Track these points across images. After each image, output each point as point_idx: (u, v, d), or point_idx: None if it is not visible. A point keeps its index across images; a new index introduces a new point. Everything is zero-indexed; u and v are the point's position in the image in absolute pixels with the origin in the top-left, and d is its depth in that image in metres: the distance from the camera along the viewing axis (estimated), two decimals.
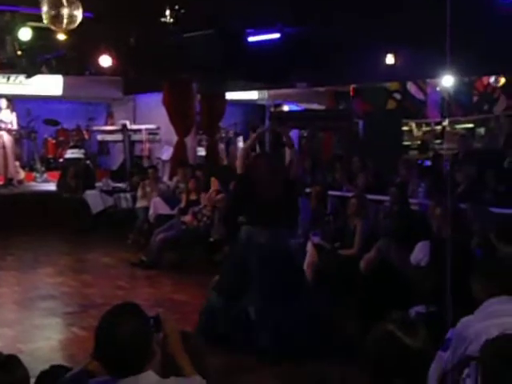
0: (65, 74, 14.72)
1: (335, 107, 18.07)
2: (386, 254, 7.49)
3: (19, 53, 9.76)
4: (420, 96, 16.07)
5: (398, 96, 16.14)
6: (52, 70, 11.96)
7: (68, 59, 11.32)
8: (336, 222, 9.11)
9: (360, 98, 16.51)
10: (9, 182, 15.03)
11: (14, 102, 15.20)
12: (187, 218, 10.82)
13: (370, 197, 9.13)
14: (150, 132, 15.79)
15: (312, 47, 11.01)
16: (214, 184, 10.99)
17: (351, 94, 16.69)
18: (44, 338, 7.13)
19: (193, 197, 11.14)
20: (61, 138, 17.16)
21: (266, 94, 17.52)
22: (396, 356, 2.36)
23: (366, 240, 7.93)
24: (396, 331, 2.38)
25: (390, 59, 10.88)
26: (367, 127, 15.99)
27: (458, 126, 15.60)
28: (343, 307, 7.60)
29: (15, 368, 2.39)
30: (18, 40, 9.27)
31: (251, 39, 11.24)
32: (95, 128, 17.26)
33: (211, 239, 10.53)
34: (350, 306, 7.47)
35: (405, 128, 17.00)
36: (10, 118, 14.97)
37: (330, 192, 10.52)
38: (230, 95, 15.56)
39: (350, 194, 9.46)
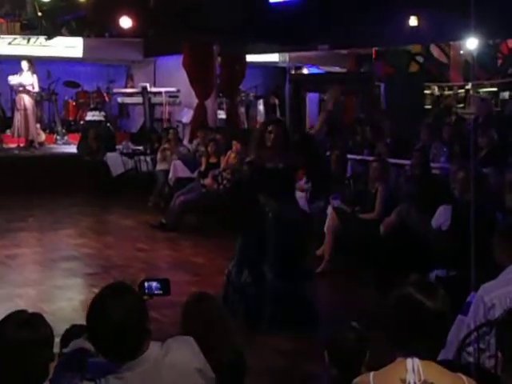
0: (85, 35, 14.68)
1: (357, 70, 17.87)
2: (407, 217, 7.48)
3: (40, 14, 9.72)
4: (443, 59, 15.87)
5: (420, 59, 15.93)
6: (72, 32, 11.92)
7: (88, 21, 11.26)
8: (356, 185, 9.08)
9: (382, 61, 16.32)
10: (30, 144, 15.12)
11: (34, 63, 15.19)
12: (207, 181, 10.82)
13: (391, 161, 9.07)
14: (170, 95, 15.74)
15: (334, 9, 10.86)
16: (236, 147, 10.95)
17: (373, 56, 16.50)
18: (66, 299, 7.21)
19: (213, 160, 11.12)
20: (81, 100, 17.16)
21: (286, 56, 17.35)
22: (415, 318, 2.35)
23: (386, 204, 7.91)
24: (415, 293, 2.37)
25: (413, 21, 10.72)
26: (389, 90, 15.82)
27: (482, 90, 15.39)
28: (363, 272, 7.64)
29: (39, 325, 2.41)
30: (38, 1, 9.22)
31: (273, 0, 11.11)
32: (115, 90, 17.23)
33: None
34: (370, 270, 7.49)
35: (427, 91, 16.81)
36: (31, 80, 14.97)
37: (351, 156, 10.46)
38: (251, 58, 15.44)
39: (370, 158, 9.41)
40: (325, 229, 8.22)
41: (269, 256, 6.14)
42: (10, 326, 2.37)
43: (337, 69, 18.11)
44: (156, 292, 2.95)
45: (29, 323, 2.39)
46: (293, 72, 18.20)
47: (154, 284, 2.96)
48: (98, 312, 2.51)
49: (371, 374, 2.39)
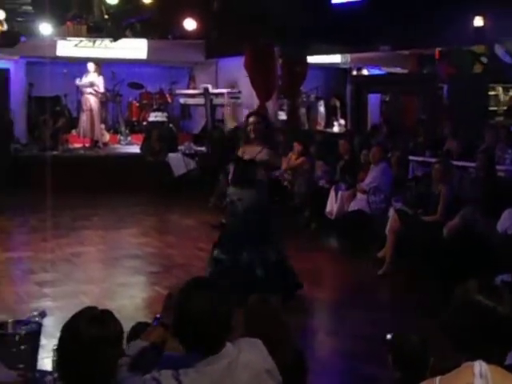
0: (148, 37, 14.89)
1: (419, 71, 17.65)
2: (471, 221, 7.36)
3: (106, 17, 9.91)
4: (508, 59, 15.54)
5: (484, 59, 15.63)
6: (136, 34, 12.10)
7: (152, 23, 11.41)
8: (418, 187, 8.99)
9: (445, 62, 16.07)
10: (95, 144, 15.42)
11: (100, 65, 15.48)
12: None
13: (454, 162, 8.95)
14: (232, 96, 15.83)
15: (397, 9, 10.76)
16: (297, 148, 10.95)
17: (436, 57, 16.27)
18: (128, 296, 7.32)
19: None
20: (144, 101, 17.43)
21: (348, 57, 17.26)
22: (484, 323, 2.31)
23: (449, 206, 7.80)
24: (484, 298, 2.32)
25: (478, 21, 10.54)
26: (452, 91, 15.59)
27: None
28: (425, 275, 7.56)
29: (110, 322, 2.45)
30: (105, 4, 9.39)
31: (335, 1, 11.07)
32: (178, 91, 17.42)
33: (292, 203, 10.55)
34: (432, 273, 7.41)
35: (491, 93, 16.49)
36: (97, 82, 15.27)
37: (412, 157, 10.36)
38: (312, 59, 15.40)
39: (432, 160, 9.29)
40: (386, 231, 8.16)
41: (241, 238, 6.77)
42: (81, 322, 2.42)
43: (398, 69, 17.92)
44: None
45: (99, 320, 2.44)
46: (354, 73, 18.09)
47: None
48: (186, 304, 2.55)
49: (437, 378, 2.36)
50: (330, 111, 18.17)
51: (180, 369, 2.48)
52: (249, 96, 14.95)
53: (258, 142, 6.75)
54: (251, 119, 6.84)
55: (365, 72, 18.85)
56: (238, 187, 6.88)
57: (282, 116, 15.94)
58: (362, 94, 16.07)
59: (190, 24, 9.51)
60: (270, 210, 7.22)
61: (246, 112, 15.15)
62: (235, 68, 15.33)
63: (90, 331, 2.37)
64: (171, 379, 2.45)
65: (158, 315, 2.89)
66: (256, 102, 14.55)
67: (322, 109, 18.14)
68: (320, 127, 17.50)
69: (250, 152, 6.75)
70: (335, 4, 11.10)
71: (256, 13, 11.24)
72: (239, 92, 15.62)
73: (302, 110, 17.17)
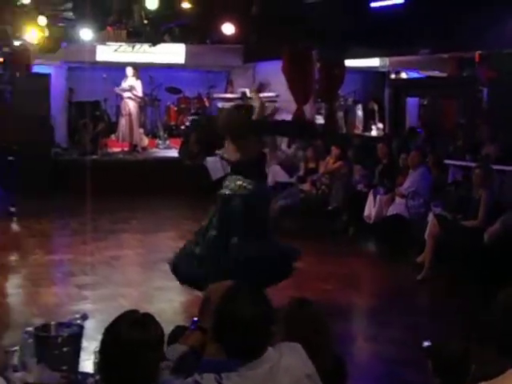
0: (186, 42, 14.96)
1: (458, 74, 17.47)
2: None
3: (145, 22, 10.01)
4: None
5: None
6: (174, 39, 12.17)
7: (190, 28, 11.46)
8: (458, 192, 8.90)
9: (486, 65, 15.88)
10: (133, 148, 15.56)
11: (138, 70, 15.62)
12: (306, 185, 10.85)
13: (495, 167, 8.83)
14: (269, 100, 15.83)
15: (436, 12, 10.67)
16: (335, 152, 10.93)
17: (476, 60, 16.08)
18: (167, 300, 7.36)
19: (311, 165, 11.15)
20: (182, 106, 17.53)
21: (386, 61, 17.16)
22: None
23: (490, 211, 7.71)
24: None
25: None
26: (492, 95, 15.40)
27: None
28: (464, 280, 7.48)
29: (151, 326, 2.47)
30: (145, 9, 9.48)
31: (374, 5, 11.02)
32: (215, 96, 17.48)
33: (329, 207, 10.52)
34: (472, 279, 7.33)
35: None
36: (136, 86, 15.41)
37: (452, 161, 10.25)
38: (350, 62, 15.35)
39: (472, 164, 9.19)
40: (426, 236, 8.09)
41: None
42: (123, 325, 2.44)
43: (437, 73, 17.75)
44: None
45: (141, 323, 2.45)
46: (393, 76, 17.97)
47: None
48: (230, 309, 2.58)
49: None
50: (367, 115, 18.08)
51: (222, 373, 2.49)
52: (286, 100, 14.95)
53: None
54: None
55: (403, 75, 18.72)
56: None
57: (320, 120, 15.90)
58: (400, 98, 15.96)
59: (228, 28, 9.55)
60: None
61: (283, 115, 15.21)
62: (273, 72, 15.34)
63: (131, 335, 2.39)
64: (214, 383, 2.46)
65: (196, 319, 2.90)
66: (293, 106, 14.56)
67: (359, 112, 18.06)
68: (358, 131, 17.43)
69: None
70: (374, 7, 11.04)
71: (294, 16, 11.24)
72: (277, 96, 15.62)
73: (340, 114, 17.10)
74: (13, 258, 9.35)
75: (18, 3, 10.84)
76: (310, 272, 8.27)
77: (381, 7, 10.99)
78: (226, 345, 2.57)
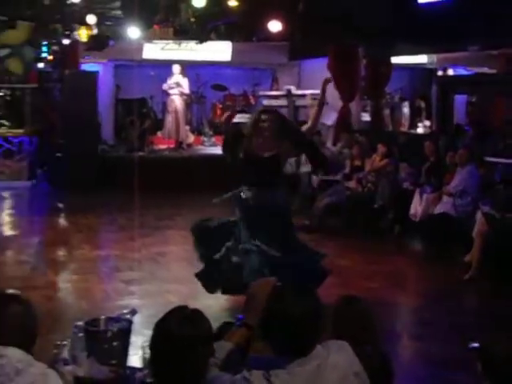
0: (232, 40, 15.01)
1: (508, 71, 17.18)
2: None
3: (192, 19, 10.08)
4: None
5: None
6: (220, 36, 12.23)
7: (236, 25, 11.50)
8: (507, 190, 8.77)
9: None
10: (179, 145, 15.67)
11: (184, 67, 15.73)
12: (351, 183, 10.80)
13: None
14: (315, 97, 15.76)
15: (485, 8, 10.49)
16: (381, 150, 10.85)
17: None
18: (213, 297, 7.36)
19: (357, 162, 11.09)
20: (228, 103, 17.59)
21: (434, 57, 16.96)
22: None
23: None
24: None
25: None
26: None
27: None
28: None
29: (201, 321, 2.49)
30: (192, 7, 9.54)
31: (421, 1, 10.89)
32: (261, 93, 17.50)
33: (375, 205, 10.46)
34: None
35: None
36: (182, 84, 15.52)
37: (501, 159, 10.10)
38: (397, 59, 15.22)
39: None
40: (473, 234, 7.99)
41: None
42: (173, 321, 2.46)
43: (485, 69, 17.49)
44: None
45: (191, 319, 2.48)
46: (440, 73, 17.76)
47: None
48: (280, 306, 2.59)
49: None
50: (414, 112, 17.91)
51: (271, 370, 2.50)
52: (332, 97, 14.87)
53: (267, 138, 6.41)
54: (264, 117, 6.46)
55: (450, 72, 18.48)
56: (253, 187, 6.59)
57: (366, 117, 15.81)
58: (448, 95, 15.74)
59: (274, 26, 9.54)
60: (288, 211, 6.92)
61: (329, 113, 15.15)
62: (318, 69, 15.29)
63: (181, 330, 2.41)
64: (262, 380, 2.47)
65: (241, 316, 2.91)
66: (339, 103, 14.49)
67: (406, 110, 17.89)
68: (404, 128, 17.27)
69: (261, 147, 6.46)
70: (422, 3, 10.90)
71: (340, 13, 11.18)
72: None
73: (386, 111, 16.98)
74: (61, 253, 9.51)
75: (68, 2, 11.02)
76: (355, 270, 8.25)
77: (429, 3, 10.85)
78: (274, 342, 2.58)
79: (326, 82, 7.13)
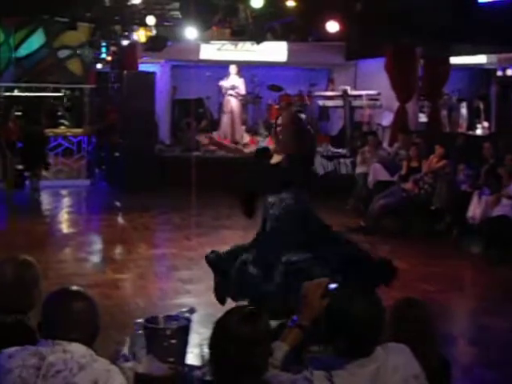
0: (288, 40, 15.00)
1: None
2: None
3: (250, 20, 10.12)
4: None
5: None
6: (276, 37, 12.24)
7: (292, 26, 11.49)
8: None
9: None
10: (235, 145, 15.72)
11: (240, 68, 15.79)
12: (408, 185, 10.69)
13: None
14: (371, 98, 15.68)
15: None
16: (439, 151, 10.72)
17: None
18: None
19: (414, 164, 10.97)
20: (283, 103, 17.57)
21: (494, 57, 16.67)
22: None
23: None
24: None
25: None
26: None
27: None
28: None
29: (260, 321, 2.50)
30: (250, 7, 9.57)
31: (482, 0, 10.71)
32: (316, 93, 17.46)
33: (432, 207, 10.34)
34: None
35: None
36: (239, 84, 15.59)
37: None
38: (455, 59, 15.00)
39: None
40: None
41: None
42: (233, 320, 2.48)
43: None
44: None
45: (250, 318, 2.49)
46: (499, 74, 17.44)
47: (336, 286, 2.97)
48: (344, 307, 2.59)
49: None
50: (472, 113, 17.63)
51: (332, 370, 2.50)
52: (388, 98, 14.77)
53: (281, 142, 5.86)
54: (279, 119, 5.97)
55: (510, 72, 18.14)
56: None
57: (423, 118, 15.64)
58: (507, 96, 15.47)
59: (332, 26, 9.50)
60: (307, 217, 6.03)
61: (385, 113, 15.04)
62: (375, 69, 15.19)
63: (240, 330, 2.43)
64: (324, 380, 2.47)
65: (295, 317, 2.91)
66: (395, 104, 14.37)
67: (464, 111, 17.63)
68: (462, 130, 17.02)
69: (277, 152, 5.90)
70: (482, 3, 10.72)
71: (398, 13, 11.07)
72: (378, 94, 15.45)
73: (444, 112, 16.76)
74: (118, 251, 9.66)
75: (129, 3, 11.18)
76: (412, 273, 8.15)
77: (489, 3, 10.66)
78: (336, 343, 2.58)
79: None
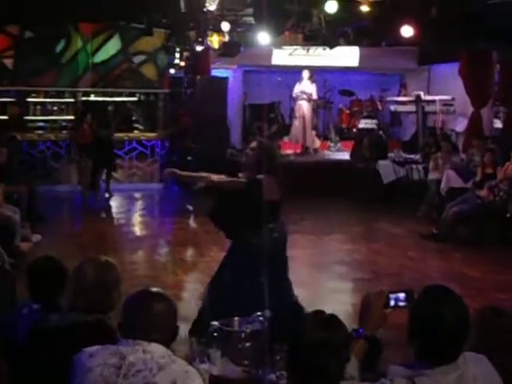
0: (360, 45, 14.91)
1: None
2: None
3: (323, 25, 10.12)
4: None
5: None
6: (348, 41, 12.18)
7: (364, 30, 11.41)
8: None
9: None
10: (305, 150, 15.74)
11: (313, 73, 15.79)
12: (483, 192, 10.50)
13: None
14: (444, 103, 15.45)
15: None
16: None
17: None
18: (337, 302, 7.37)
19: (489, 170, 10.77)
20: (355, 109, 17.54)
21: None
22: None
23: None
24: None
25: None
26: None
27: None
28: None
29: (337, 327, 2.51)
30: (324, 12, 9.57)
31: None
32: (388, 99, 17.33)
33: (508, 215, 10.12)
34: None
35: None
36: (311, 89, 15.60)
37: None
38: None
39: None
40: None
41: None
42: (310, 325, 2.50)
43: None
44: (401, 304, 2.93)
45: (328, 324, 2.50)
46: None
47: (401, 295, 2.94)
48: (432, 311, 2.57)
49: None
50: None
51: (415, 377, 2.48)
52: (463, 103, 14.53)
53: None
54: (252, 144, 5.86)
55: None
56: None
57: (498, 124, 15.31)
58: None
59: (407, 31, 9.40)
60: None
61: (459, 119, 14.78)
62: (448, 74, 14.97)
63: (318, 335, 2.44)
64: None
65: (361, 329, 2.90)
66: (470, 110, 14.12)
67: None
68: None
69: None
70: None
71: (472, 17, 10.88)
72: (452, 99, 15.21)
73: None
74: (190, 253, 9.79)
75: (205, 9, 11.33)
76: (485, 281, 8.03)
77: None
78: (421, 348, 2.57)
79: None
